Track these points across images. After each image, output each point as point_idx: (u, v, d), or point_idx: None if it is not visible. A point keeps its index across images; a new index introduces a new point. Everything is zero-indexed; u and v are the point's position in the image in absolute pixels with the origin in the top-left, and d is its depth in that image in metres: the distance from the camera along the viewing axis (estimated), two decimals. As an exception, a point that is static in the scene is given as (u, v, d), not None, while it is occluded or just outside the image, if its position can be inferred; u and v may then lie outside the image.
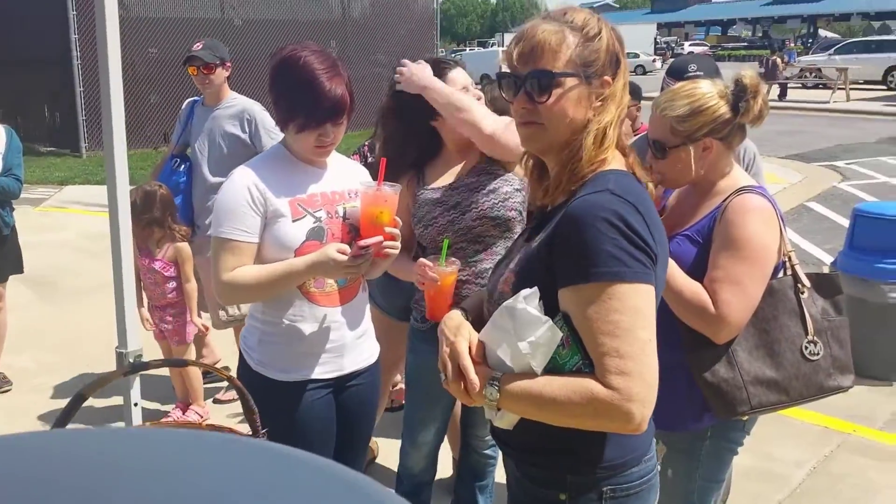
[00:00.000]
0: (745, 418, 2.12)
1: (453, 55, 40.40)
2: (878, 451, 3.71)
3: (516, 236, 2.47)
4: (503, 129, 2.33)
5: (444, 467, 3.25)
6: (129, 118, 2.52)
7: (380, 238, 2.07)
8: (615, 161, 1.49)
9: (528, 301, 1.36)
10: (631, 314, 1.33)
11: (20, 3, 14.36)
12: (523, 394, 1.37)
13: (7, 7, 14.53)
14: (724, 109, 2.03)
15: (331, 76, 2.06)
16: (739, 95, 2.03)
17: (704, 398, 2.05)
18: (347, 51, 17.46)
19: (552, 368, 1.39)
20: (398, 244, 2.12)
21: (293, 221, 2.10)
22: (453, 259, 2.33)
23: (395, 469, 3.40)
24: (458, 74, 2.50)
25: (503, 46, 39.93)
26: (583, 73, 1.43)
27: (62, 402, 4.26)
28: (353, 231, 2.17)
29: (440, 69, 2.49)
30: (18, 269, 4.54)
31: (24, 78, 14.81)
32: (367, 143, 3.41)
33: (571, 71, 1.42)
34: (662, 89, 2.93)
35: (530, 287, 1.40)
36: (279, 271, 2.07)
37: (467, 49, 50.06)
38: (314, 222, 2.12)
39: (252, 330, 2.25)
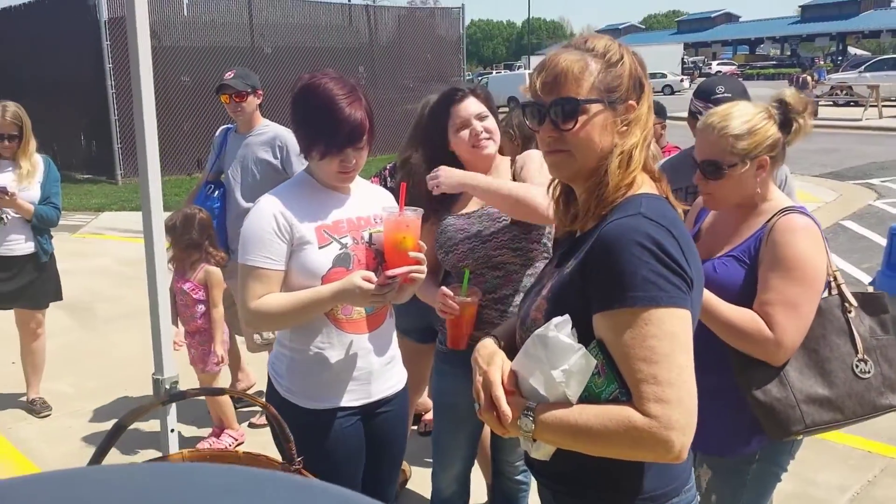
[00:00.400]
0: (799, 438, 2.10)
1: (479, 78, 40.48)
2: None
3: (538, 264, 2.47)
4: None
5: (480, 493, 3.23)
6: (162, 145, 2.57)
7: (406, 269, 2.07)
8: (645, 185, 1.48)
9: (559, 329, 1.34)
10: (668, 339, 1.31)
11: (56, 33, 14.75)
12: (558, 424, 1.35)
13: (43, 38, 14.94)
14: (775, 128, 2.06)
15: (349, 101, 2.08)
16: (787, 114, 2.06)
17: (753, 420, 2.03)
18: (375, 76, 17.67)
19: (588, 397, 1.36)
20: (424, 269, 2.13)
21: (319, 248, 2.11)
22: (475, 289, 2.34)
23: (429, 494, 3.38)
24: (469, 103, 2.49)
25: (529, 69, 40.09)
26: (606, 99, 1.44)
27: (100, 426, 4.31)
28: (378, 256, 2.18)
29: (451, 100, 2.50)
30: (58, 296, 4.62)
31: (61, 107, 15.17)
32: (388, 167, 3.43)
33: (595, 97, 1.43)
34: (691, 112, 2.92)
35: (563, 314, 1.38)
36: (305, 299, 2.08)
37: (494, 72, 50.31)
38: (340, 249, 2.13)
39: (280, 357, 2.26)
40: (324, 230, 2.13)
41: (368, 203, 2.27)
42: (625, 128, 1.46)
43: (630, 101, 1.45)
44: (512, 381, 1.44)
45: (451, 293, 2.29)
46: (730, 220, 2.16)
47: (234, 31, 15.83)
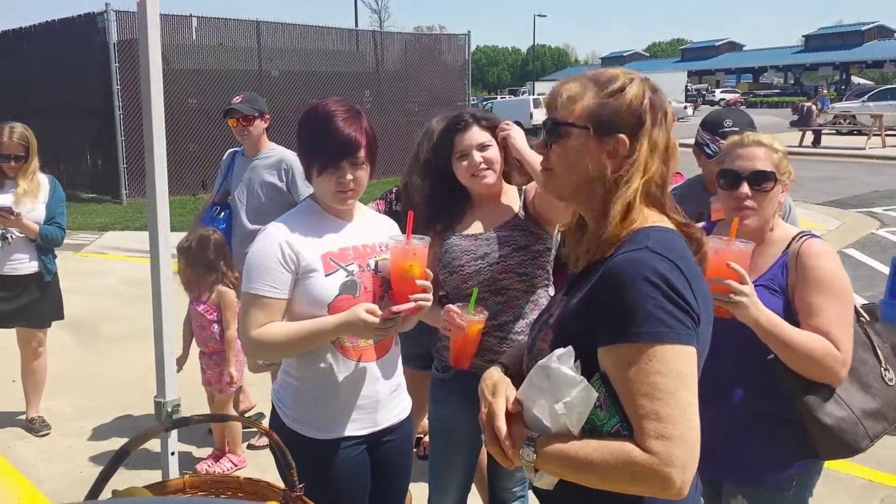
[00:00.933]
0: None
1: (484, 103, 40.71)
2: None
3: (539, 291, 2.48)
4: None
5: (479, 518, 3.21)
6: (169, 166, 2.59)
7: (412, 305, 2.07)
8: (653, 218, 1.47)
9: (561, 361, 1.34)
10: (672, 377, 1.29)
11: (65, 54, 14.90)
12: (559, 456, 1.34)
13: (53, 58, 15.09)
14: None
15: (346, 118, 2.11)
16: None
17: (789, 446, 2.08)
18: (381, 100, 17.79)
19: (590, 430, 1.36)
20: (430, 297, 2.12)
21: (326, 276, 2.10)
22: (481, 308, 2.34)
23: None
24: (471, 134, 2.49)
25: (534, 95, 40.34)
26: (592, 127, 1.45)
27: (100, 446, 4.30)
28: (385, 284, 2.17)
29: (455, 129, 2.52)
30: (60, 315, 4.63)
31: (68, 127, 15.28)
32: (394, 190, 3.45)
33: (580, 123, 1.46)
34: (697, 142, 2.94)
35: (567, 344, 1.38)
36: (308, 330, 2.07)
37: (498, 97, 50.59)
38: (347, 276, 2.13)
39: (285, 385, 2.24)
40: (330, 258, 2.13)
41: (374, 231, 2.28)
42: (616, 161, 1.45)
43: (620, 135, 1.44)
44: (517, 409, 1.43)
45: (459, 311, 2.29)
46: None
47: (242, 54, 15.97)
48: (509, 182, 2.62)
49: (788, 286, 2.07)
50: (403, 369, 3.07)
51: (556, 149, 1.49)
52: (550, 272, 2.52)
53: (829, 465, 3.23)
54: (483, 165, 2.48)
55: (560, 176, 1.50)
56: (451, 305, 2.33)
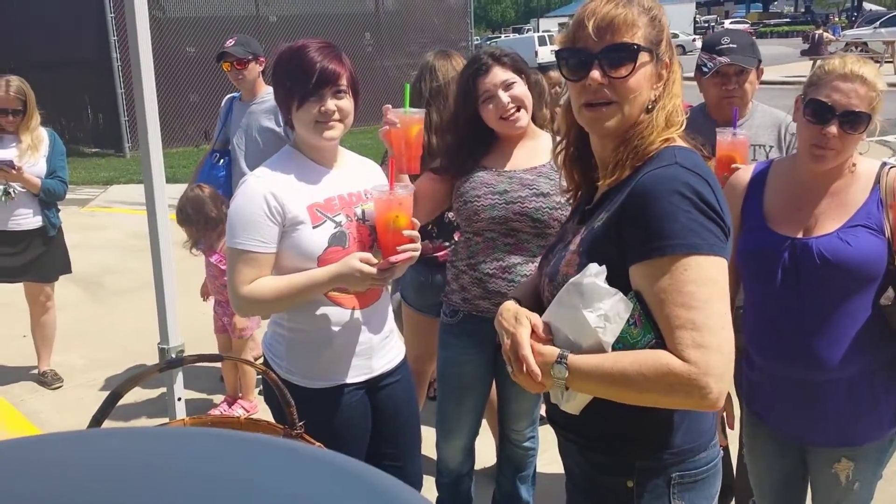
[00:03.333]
0: None
1: (488, 42, 40.22)
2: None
3: (550, 240, 2.45)
4: None
5: (489, 456, 3.24)
6: (169, 117, 2.56)
7: (409, 254, 2.02)
8: (676, 140, 1.47)
9: (597, 276, 1.34)
10: (708, 286, 1.30)
11: (58, 6, 14.66)
12: (593, 370, 1.33)
13: (46, 11, 14.85)
14: None
15: (321, 48, 2.03)
16: None
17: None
18: (381, 42, 17.50)
19: (623, 349, 1.34)
20: (419, 246, 2.07)
21: (314, 228, 2.04)
22: (417, 111, 2.24)
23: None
24: (494, 73, 2.40)
25: (538, 32, 39.60)
26: (654, 51, 1.43)
27: (112, 398, 4.34)
28: (374, 233, 2.11)
29: (476, 72, 2.41)
30: (66, 269, 4.63)
31: (67, 81, 15.12)
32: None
33: (648, 46, 1.42)
34: (698, 65, 2.84)
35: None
36: (300, 283, 2.01)
37: (502, 36, 49.73)
38: (335, 227, 2.06)
39: (277, 338, 2.20)
40: (316, 209, 2.06)
41: (358, 177, 2.21)
42: (660, 84, 1.45)
43: (666, 59, 1.45)
44: (546, 336, 1.42)
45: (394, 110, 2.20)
46: (816, 189, 2.01)
47: (239, 0, 15.68)
48: (537, 124, 2.54)
49: (887, 224, 1.92)
50: (419, 318, 3.08)
51: (627, 77, 1.40)
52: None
53: None
54: (512, 105, 2.38)
55: (627, 107, 1.42)
56: (387, 105, 2.25)
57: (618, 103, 1.42)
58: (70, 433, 0.48)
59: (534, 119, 2.52)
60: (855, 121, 1.90)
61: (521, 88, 2.41)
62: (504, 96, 2.37)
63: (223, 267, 3.87)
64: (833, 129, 1.89)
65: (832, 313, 1.95)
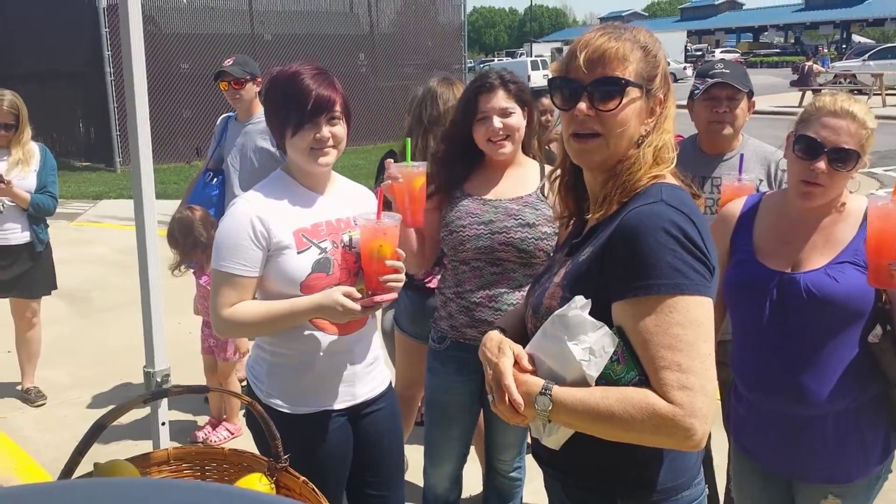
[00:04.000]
0: None
1: (481, 66, 40.44)
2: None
3: (537, 269, 2.42)
4: None
5: (476, 484, 3.21)
6: (161, 133, 2.55)
7: (393, 295, 2.03)
8: (664, 176, 1.47)
9: (583, 309, 1.33)
10: (693, 328, 1.30)
11: (54, 19, 14.67)
12: (578, 404, 1.32)
13: (41, 24, 14.87)
14: None
15: (314, 75, 2.03)
16: None
17: (884, 439, 2.00)
18: (376, 63, 17.59)
19: (605, 385, 1.34)
20: (402, 277, 2.06)
21: (298, 253, 2.03)
22: (419, 164, 2.25)
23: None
24: (496, 97, 2.41)
25: (531, 57, 39.94)
26: (645, 87, 1.43)
27: (95, 415, 4.25)
28: (359, 260, 2.10)
29: (480, 88, 2.43)
30: (52, 286, 4.59)
31: (59, 94, 15.12)
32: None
33: (638, 82, 1.42)
34: (691, 92, 2.85)
35: None
36: (281, 311, 2.01)
37: (495, 59, 50.10)
38: (319, 253, 2.05)
39: (260, 361, 2.19)
40: (302, 234, 2.05)
41: (348, 203, 2.20)
42: (653, 121, 1.45)
43: (660, 95, 1.45)
44: (530, 367, 1.41)
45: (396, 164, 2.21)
46: (805, 224, 2.01)
47: (234, 17, 15.73)
48: (527, 153, 2.56)
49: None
50: (411, 344, 3.06)
51: (615, 111, 1.40)
52: (550, 255, 2.48)
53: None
54: (502, 133, 2.40)
55: (613, 142, 1.43)
56: (389, 159, 2.25)
57: (604, 136, 1.43)
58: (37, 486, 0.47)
59: (524, 149, 2.54)
60: (843, 158, 1.90)
61: (516, 119, 2.43)
62: (497, 122, 2.40)
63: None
64: (822, 164, 1.90)
65: (819, 348, 1.95)
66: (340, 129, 2.07)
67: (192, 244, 3.82)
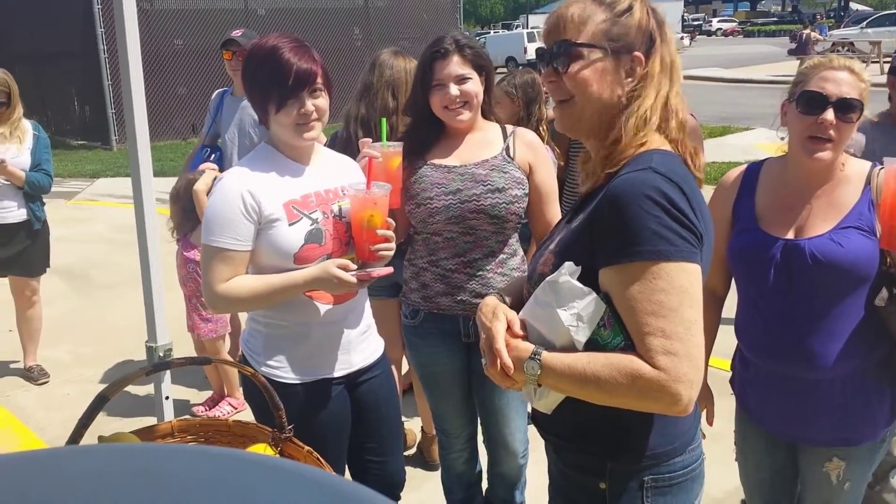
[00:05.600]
0: None
1: (477, 38, 39.88)
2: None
3: (509, 233, 2.43)
4: None
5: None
6: (157, 110, 2.55)
7: (389, 270, 2.04)
8: (656, 143, 1.45)
9: (572, 275, 1.34)
10: (677, 293, 1.30)
11: (46, -1, 14.53)
12: (565, 369, 1.34)
13: (33, 3, 14.71)
14: None
15: (293, 48, 2.02)
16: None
17: (891, 403, 2.01)
18: (371, 37, 17.45)
19: (593, 349, 1.35)
20: (393, 246, 2.07)
21: (290, 225, 2.03)
22: (396, 144, 2.24)
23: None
24: (450, 63, 2.35)
25: (527, 28, 39.54)
26: (609, 47, 1.41)
27: (98, 392, 4.31)
28: (350, 229, 2.11)
29: (434, 55, 2.37)
30: (47, 265, 4.59)
31: (54, 73, 15.01)
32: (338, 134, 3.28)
33: (594, 43, 1.41)
34: (892, 67, 2.81)
35: None
36: (277, 285, 2.02)
37: (491, 32, 49.64)
38: (311, 224, 2.06)
39: (255, 334, 2.19)
40: (293, 206, 2.05)
41: (335, 174, 2.20)
42: (632, 82, 1.43)
43: (636, 52, 1.42)
44: (522, 332, 1.43)
45: (373, 143, 2.20)
46: (807, 190, 1.99)
47: (228, -8, 15.58)
48: (488, 118, 2.51)
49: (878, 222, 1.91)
50: (378, 301, 3.04)
51: (574, 74, 1.42)
52: (523, 217, 2.45)
53: None
54: (458, 100, 2.35)
55: (581, 104, 1.44)
56: (365, 139, 2.23)
57: (571, 100, 1.45)
58: (44, 451, 0.47)
59: (484, 115, 2.49)
60: (849, 108, 1.89)
61: (474, 86, 2.37)
62: (454, 89, 2.34)
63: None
64: (829, 115, 1.89)
65: (825, 313, 1.95)
66: (323, 101, 2.07)
67: (192, 207, 3.78)
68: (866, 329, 1.95)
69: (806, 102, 1.92)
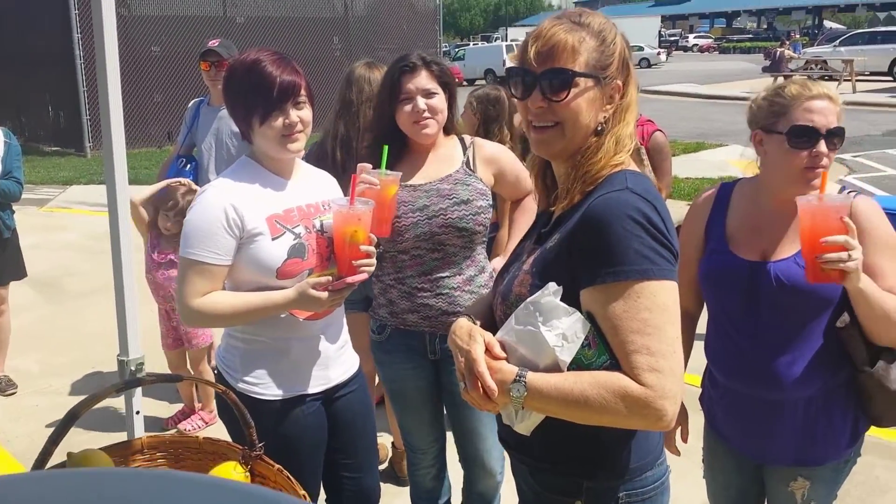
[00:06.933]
0: None
1: (456, 49, 40.05)
2: (886, 450, 3.67)
3: (478, 248, 2.45)
4: None
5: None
6: (132, 117, 2.51)
7: (364, 276, 2.02)
8: (627, 164, 1.48)
9: (555, 295, 1.35)
10: (660, 311, 1.33)
11: (23, 3, 14.37)
12: (552, 391, 1.34)
13: (9, 6, 14.55)
14: None
15: (275, 60, 2.02)
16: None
17: (854, 423, 2.02)
18: (350, 46, 17.45)
19: (577, 369, 1.35)
20: (374, 262, 2.07)
21: (273, 239, 2.02)
22: (394, 172, 2.24)
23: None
24: (418, 77, 2.37)
25: (507, 41, 39.86)
26: (599, 76, 1.44)
27: (68, 404, 4.20)
28: (331, 244, 2.10)
29: (402, 69, 2.39)
30: (20, 273, 4.52)
31: (28, 78, 14.84)
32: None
33: (589, 72, 1.43)
34: None
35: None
36: (255, 304, 2.00)
37: (471, 44, 49.94)
38: (294, 239, 2.04)
39: (232, 350, 2.17)
40: (276, 220, 2.04)
41: (316, 189, 2.20)
42: (611, 108, 1.47)
43: (617, 81, 1.46)
44: (502, 354, 1.42)
45: (372, 169, 2.20)
46: (776, 213, 2.02)
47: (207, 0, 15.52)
48: (448, 133, 2.52)
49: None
50: (352, 315, 3.01)
51: (568, 102, 1.42)
52: (488, 228, 2.46)
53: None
54: (426, 114, 2.36)
55: (570, 131, 1.45)
56: (363, 164, 2.22)
57: (561, 125, 1.45)
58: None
59: (445, 131, 2.51)
60: (839, 136, 1.93)
61: (440, 101, 2.40)
62: (421, 102, 2.36)
63: None
64: (823, 148, 1.91)
65: (790, 335, 1.98)
66: (307, 112, 2.07)
67: (176, 213, 3.73)
68: (830, 352, 1.97)
69: (798, 136, 1.93)
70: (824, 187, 1.84)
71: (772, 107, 1.99)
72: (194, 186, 3.76)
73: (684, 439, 2.29)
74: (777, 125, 1.96)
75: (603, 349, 1.35)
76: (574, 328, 1.33)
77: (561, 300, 1.35)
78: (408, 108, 2.37)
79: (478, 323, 1.55)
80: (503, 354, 1.41)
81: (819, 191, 1.85)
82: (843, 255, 1.75)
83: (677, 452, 2.28)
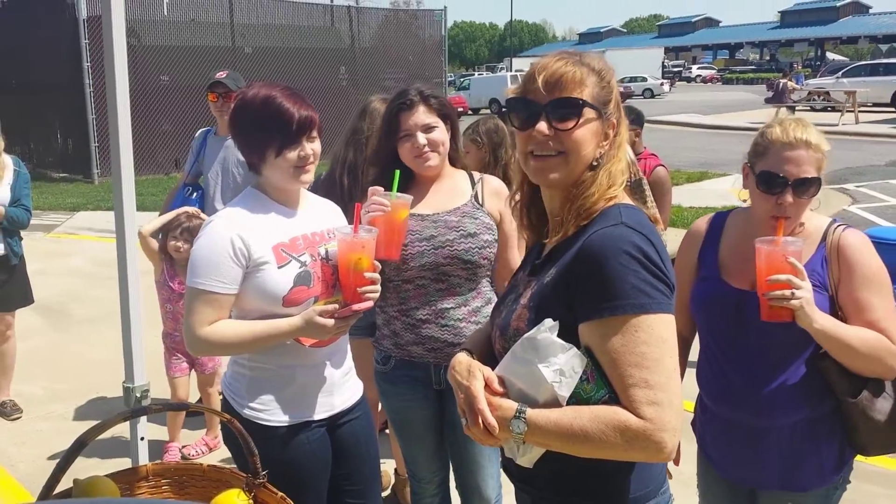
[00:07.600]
0: None
1: (461, 80, 40.28)
2: (887, 479, 3.65)
3: (482, 281, 2.46)
4: None
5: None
6: (140, 145, 2.55)
7: (369, 303, 2.05)
8: (621, 198, 1.52)
9: (551, 331, 1.36)
10: (657, 344, 1.34)
11: (34, 31, 14.58)
12: (552, 426, 1.35)
13: (20, 35, 14.76)
14: None
15: (289, 95, 2.07)
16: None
17: (841, 449, 2.04)
18: (357, 76, 17.64)
19: (576, 403, 1.37)
20: (378, 288, 2.09)
21: (279, 268, 2.04)
22: (405, 196, 2.25)
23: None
24: (416, 113, 2.40)
25: (511, 71, 40.16)
26: (601, 110, 1.49)
27: (73, 430, 4.25)
28: (337, 272, 2.12)
29: (400, 107, 2.42)
30: (28, 300, 4.55)
31: (38, 105, 15.01)
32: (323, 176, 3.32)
33: (594, 104, 1.47)
34: None
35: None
36: (261, 332, 2.02)
37: (476, 73, 50.33)
38: (300, 267, 2.07)
39: (238, 377, 2.18)
40: (282, 249, 2.07)
41: (321, 218, 2.23)
42: (607, 144, 1.50)
43: (613, 119, 1.51)
44: (501, 390, 1.43)
45: (383, 191, 2.22)
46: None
47: (215, 30, 15.73)
48: (455, 166, 2.55)
49: (831, 281, 1.98)
50: (354, 341, 3.02)
51: (572, 131, 1.46)
52: (493, 263, 2.48)
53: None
54: (427, 148, 2.39)
55: (573, 161, 1.48)
56: (375, 187, 2.24)
57: (564, 154, 1.48)
58: None
59: (452, 162, 2.54)
60: (808, 186, 1.94)
61: (440, 134, 2.42)
62: (421, 138, 2.39)
63: None
64: (788, 198, 1.94)
65: (775, 363, 2.01)
66: (318, 144, 2.12)
67: (183, 231, 3.74)
68: (815, 380, 2.00)
69: (766, 182, 1.97)
70: (779, 234, 1.90)
71: (756, 146, 2.05)
72: (202, 215, 3.80)
73: (676, 463, 2.29)
74: (756, 165, 2.02)
75: (602, 383, 1.36)
76: (571, 364, 1.34)
77: (559, 334, 1.36)
78: (408, 144, 2.40)
79: (475, 358, 1.56)
80: (502, 390, 1.42)
81: (776, 234, 1.90)
82: (787, 292, 1.82)
83: (668, 476, 2.29)
